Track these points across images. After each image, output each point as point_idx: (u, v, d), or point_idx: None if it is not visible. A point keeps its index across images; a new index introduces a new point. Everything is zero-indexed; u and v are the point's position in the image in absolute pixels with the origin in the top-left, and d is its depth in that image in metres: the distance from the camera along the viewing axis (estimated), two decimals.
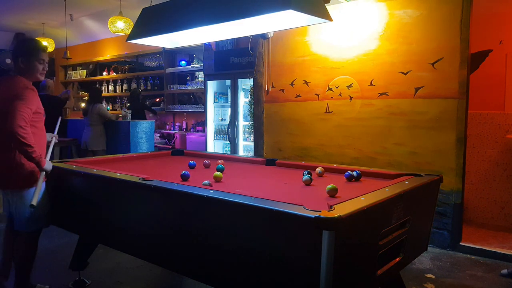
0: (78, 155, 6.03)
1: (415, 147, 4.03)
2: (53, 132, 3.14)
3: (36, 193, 2.52)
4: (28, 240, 2.75)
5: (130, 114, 6.84)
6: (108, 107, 8.78)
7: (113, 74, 8.84)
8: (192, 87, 7.12)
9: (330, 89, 4.63)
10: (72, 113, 8.78)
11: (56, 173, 2.93)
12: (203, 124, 6.63)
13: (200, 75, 7.25)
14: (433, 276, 3.26)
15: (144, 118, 6.99)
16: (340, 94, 4.56)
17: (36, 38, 3.00)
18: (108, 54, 8.81)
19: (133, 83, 8.31)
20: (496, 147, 4.47)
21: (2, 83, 2.69)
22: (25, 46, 2.75)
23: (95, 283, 3.08)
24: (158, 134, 7.43)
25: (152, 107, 7.62)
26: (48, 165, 2.63)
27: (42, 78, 2.78)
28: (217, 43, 6.23)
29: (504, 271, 3.32)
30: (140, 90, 7.98)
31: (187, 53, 7.66)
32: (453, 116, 3.79)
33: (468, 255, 3.70)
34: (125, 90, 8.57)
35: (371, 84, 4.32)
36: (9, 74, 2.79)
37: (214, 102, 6.37)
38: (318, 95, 4.75)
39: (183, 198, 2.08)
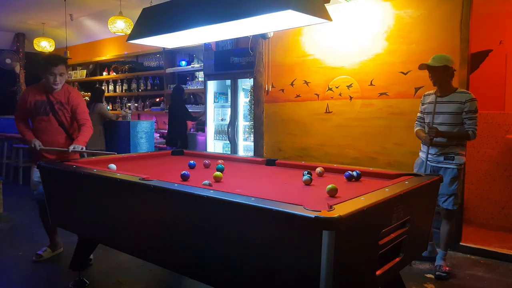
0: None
1: (415, 147, 4.02)
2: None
3: None
4: None
5: (130, 114, 6.81)
6: (108, 107, 8.78)
7: (113, 74, 8.83)
8: (192, 87, 7.11)
9: (330, 89, 4.63)
10: None
11: (55, 173, 2.94)
12: (203, 124, 6.62)
13: (200, 75, 7.24)
14: (433, 276, 3.26)
15: (185, 125, 6.35)
16: (340, 94, 4.56)
17: (52, 53, 3.59)
18: (108, 54, 8.80)
19: (133, 83, 8.31)
20: (496, 147, 4.46)
21: None
22: (39, 62, 3.48)
23: (95, 283, 3.08)
24: (158, 134, 7.42)
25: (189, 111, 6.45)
26: (36, 142, 3.32)
27: (57, 87, 3.38)
28: (217, 43, 6.23)
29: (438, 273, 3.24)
30: (182, 87, 6.59)
31: (187, 53, 7.65)
32: None
33: (468, 255, 3.70)
34: (125, 90, 8.57)
35: (371, 84, 4.32)
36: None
37: (214, 102, 6.36)
38: (318, 95, 4.75)
39: (183, 198, 2.08)
